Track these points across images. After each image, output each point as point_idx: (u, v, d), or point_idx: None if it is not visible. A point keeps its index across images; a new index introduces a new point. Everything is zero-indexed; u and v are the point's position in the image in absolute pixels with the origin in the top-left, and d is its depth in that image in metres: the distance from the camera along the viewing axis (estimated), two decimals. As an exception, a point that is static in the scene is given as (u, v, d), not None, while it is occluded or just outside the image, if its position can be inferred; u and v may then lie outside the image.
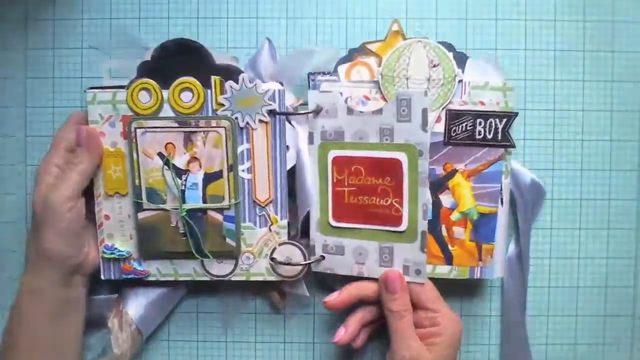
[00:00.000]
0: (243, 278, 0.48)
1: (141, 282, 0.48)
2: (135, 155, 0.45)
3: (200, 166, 0.46)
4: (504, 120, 0.45)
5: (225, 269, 0.48)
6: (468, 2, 0.51)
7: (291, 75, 0.47)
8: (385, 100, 0.46)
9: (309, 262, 0.47)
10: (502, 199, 0.46)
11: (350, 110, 0.46)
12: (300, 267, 0.47)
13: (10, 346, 0.44)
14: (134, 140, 0.45)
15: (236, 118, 0.46)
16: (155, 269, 0.48)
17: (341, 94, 0.46)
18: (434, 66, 0.45)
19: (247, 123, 0.46)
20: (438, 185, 0.46)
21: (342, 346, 0.52)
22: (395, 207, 0.46)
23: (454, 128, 0.46)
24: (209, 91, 0.45)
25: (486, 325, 0.52)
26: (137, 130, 0.45)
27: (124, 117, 0.45)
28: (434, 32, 0.51)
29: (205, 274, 0.48)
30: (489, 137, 0.46)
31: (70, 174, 0.44)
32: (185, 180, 0.46)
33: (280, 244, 0.47)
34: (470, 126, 0.45)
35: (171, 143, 0.46)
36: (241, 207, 0.47)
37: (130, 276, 0.47)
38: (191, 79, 0.45)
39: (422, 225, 0.45)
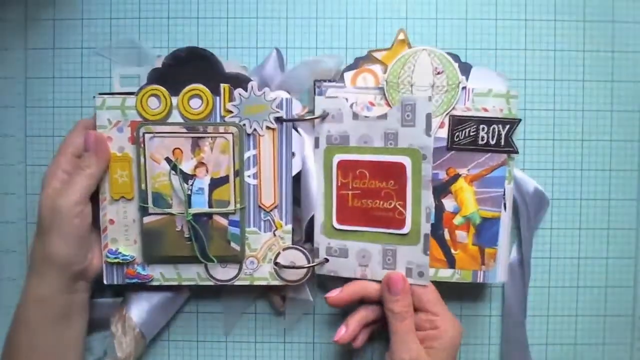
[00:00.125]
0: (247, 282, 0.48)
1: (144, 287, 0.48)
2: (142, 159, 0.46)
3: (207, 171, 0.46)
4: (507, 126, 0.46)
5: (229, 273, 0.48)
6: (468, 2, 0.51)
7: (297, 85, 0.48)
8: (390, 106, 0.46)
9: (313, 264, 0.47)
10: (505, 204, 0.47)
11: (355, 115, 0.46)
12: (304, 272, 0.48)
13: (13, 350, 0.44)
14: (142, 145, 0.45)
15: (244, 125, 0.46)
16: (158, 274, 0.48)
17: (347, 99, 0.47)
18: (438, 73, 0.46)
19: (255, 129, 0.46)
20: (441, 190, 0.47)
21: (342, 346, 0.52)
22: (398, 210, 0.46)
23: (457, 133, 0.46)
24: (217, 98, 0.46)
25: (486, 326, 0.52)
26: (146, 135, 0.45)
27: (133, 122, 0.46)
28: (434, 32, 0.51)
29: (209, 278, 0.48)
30: (492, 142, 0.46)
31: (78, 179, 0.44)
32: (192, 185, 0.46)
33: (284, 249, 0.47)
34: (473, 132, 0.46)
35: (179, 148, 0.46)
36: (246, 212, 0.47)
37: (133, 281, 0.47)
38: (201, 86, 0.46)
39: (425, 228, 0.45)
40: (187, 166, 0.46)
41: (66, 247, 0.43)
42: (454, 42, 0.51)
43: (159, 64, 0.46)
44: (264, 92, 0.46)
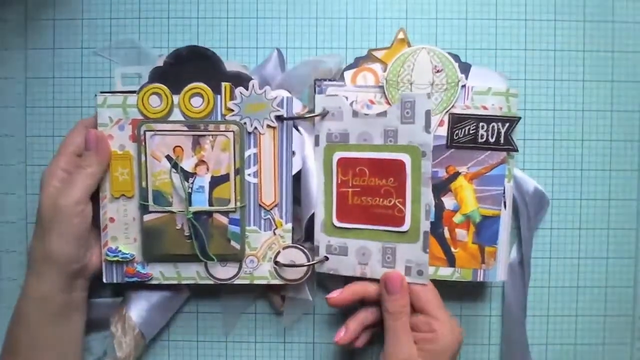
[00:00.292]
0: (247, 281, 0.48)
1: (144, 285, 0.48)
2: (143, 157, 0.46)
3: (208, 169, 0.46)
4: (507, 124, 0.46)
5: (229, 272, 0.48)
6: (468, 2, 0.51)
7: (298, 85, 0.48)
8: (390, 104, 0.46)
9: (313, 262, 0.47)
10: (505, 202, 0.47)
11: (355, 113, 0.46)
12: (304, 271, 0.48)
13: (12, 348, 0.44)
14: (143, 142, 0.46)
15: (244, 123, 0.46)
16: (158, 272, 0.48)
17: (347, 98, 0.47)
18: (438, 72, 0.46)
19: (255, 128, 0.46)
20: (440, 188, 0.46)
21: (342, 347, 0.52)
22: (398, 208, 0.46)
23: (457, 131, 0.46)
24: (218, 97, 0.46)
25: (486, 326, 0.52)
26: (147, 133, 0.46)
27: (134, 120, 0.46)
28: (434, 32, 0.51)
29: (209, 277, 0.48)
30: (492, 140, 0.46)
31: (79, 178, 0.44)
32: (192, 183, 0.46)
33: (284, 248, 0.47)
34: (472, 130, 0.46)
35: (179, 146, 0.46)
36: (246, 211, 0.47)
37: (133, 279, 0.47)
38: (202, 84, 0.46)
39: (425, 225, 0.45)
40: (187, 164, 0.46)
41: (66, 246, 0.43)
42: (453, 42, 0.51)
43: (160, 62, 0.47)
44: (265, 91, 0.46)
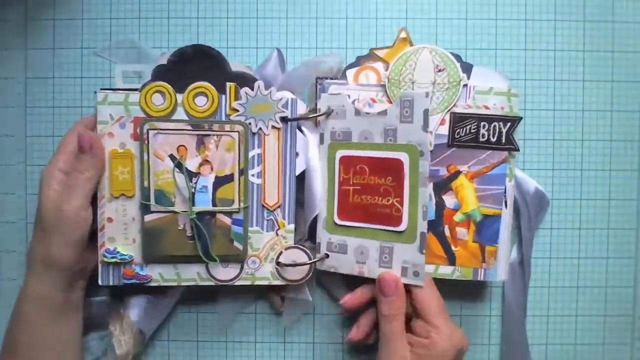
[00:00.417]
0: (248, 282, 0.48)
1: (141, 287, 0.47)
2: (146, 156, 0.45)
3: (212, 169, 0.46)
4: (508, 123, 0.46)
5: (230, 273, 0.47)
6: (468, 2, 0.51)
7: (299, 85, 0.48)
8: (392, 103, 0.46)
9: (314, 260, 0.47)
10: (506, 202, 0.47)
11: (357, 112, 0.46)
12: (305, 271, 0.47)
13: (11, 348, 0.44)
14: (146, 141, 0.45)
15: (249, 123, 0.46)
16: (157, 274, 0.47)
17: (349, 96, 0.47)
18: (440, 71, 0.46)
19: (260, 129, 0.46)
20: (441, 186, 0.47)
21: (342, 347, 0.52)
22: (395, 207, 0.46)
23: (458, 130, 0.46)
24: (223, 97, 0.46)
25: (486, 326, 0.52)
26: (150, 131, 0.45)
27: (136, 118, 0.45)
28: (434, 32, 0.51)
29: (210, 278, 0.47)
30: (493, 140, 0.46)
31: (79, 183, 0.43)
32: (196, 183, 0.46)
33: (286, 248, 0.47)
34: (474, 129, 0.46)
35: (183, 146, 0.46)
36: (249, 211, 0.47)
37: (131, 281, 0.46)
38: (206, 84, 0.45)
39: (422, 226, 0.45)
40: (191, 164, 0.46)
41: (69, 251, 0.43)
42: (454, 42, 0.51)
43: (163, 60, 0.46)
44: (270, 92, 0.46)
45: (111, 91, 0.46)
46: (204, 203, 0.46)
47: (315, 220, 0.48)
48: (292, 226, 0.48)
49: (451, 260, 0.47)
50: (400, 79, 0.46)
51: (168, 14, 0.51)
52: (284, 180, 0.47)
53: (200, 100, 0.46)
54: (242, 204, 0.46)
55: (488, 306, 0.52)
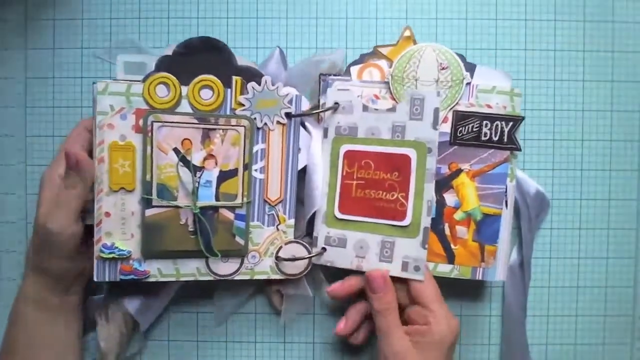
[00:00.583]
0: (247, 277, 0.48)
1: (139, 283, 0.47)
2: (149, 149, 0.44)
3: (216, 164, 0.46)
4: (510, 123, 0.46)
5: (230, 268, 0.47)
6: (468, 2, 0.51)
7: (301, 83, 0.48)
8: (395, 99, 0.46)
9: (311, 255, 0.47)
10: (506, 201, 0.47)
11: (365, 108, 0.47)
12: (304, 265, 0.48)
13: (10, 347, 0.44)
14: (150, 134, 0.44)
15: (255, 118, 0.46)
16: (156, 269, 0.46)
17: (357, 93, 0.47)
18: (443, 69, 0.46)
19: (265, 124, 0.46)
20: (443, 184, 0.47)
21: (342, 346, 0.52)
22: (400, 202, 0.46)
23: (460, 129, 0.46)
24: (228, 90, 0.45)
25: (486, 326, 0.52)
26: (154, 124, 0.44)
27: (138, 110, 0.44)
28: (434, 32, 0.51)
29: (209, 273, 0.47)
30: (495, 139, 0.46)
31: (65, 200, 0.43)
32: (200, 177, 0.45)
33: (286, 243, 0.48)
34: (476, 127, 0.46)
35: (188, 139, 0.45)
36: (251, 206, 0.47)
37: (129, 277, 0.45)
38: (212, 77, 0.45)
39: (426, 221, 0.45)
40: (196, 158, 0.45)
41: (61, 262, 0.43)
42: (454, 42, 0.51)
43: (169, 51, 0.45)
44: (277, 87, 0.46)
45: (113, 80, 0.44)
46: (207, 198, 0.46)
47: (313, 216, 0.48)
48: (292, 221, 0.48)
49: (450, 258, 0.47)
50: (404, 76, 0.46)
51: (168, 14, 0.51)
52: (286, 175, 0.47)
53: (206, 94, 0.45)
54: (245, 199, 0.46)
55: (488, 306, 0.52)
